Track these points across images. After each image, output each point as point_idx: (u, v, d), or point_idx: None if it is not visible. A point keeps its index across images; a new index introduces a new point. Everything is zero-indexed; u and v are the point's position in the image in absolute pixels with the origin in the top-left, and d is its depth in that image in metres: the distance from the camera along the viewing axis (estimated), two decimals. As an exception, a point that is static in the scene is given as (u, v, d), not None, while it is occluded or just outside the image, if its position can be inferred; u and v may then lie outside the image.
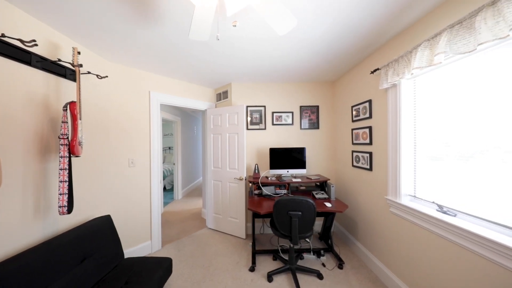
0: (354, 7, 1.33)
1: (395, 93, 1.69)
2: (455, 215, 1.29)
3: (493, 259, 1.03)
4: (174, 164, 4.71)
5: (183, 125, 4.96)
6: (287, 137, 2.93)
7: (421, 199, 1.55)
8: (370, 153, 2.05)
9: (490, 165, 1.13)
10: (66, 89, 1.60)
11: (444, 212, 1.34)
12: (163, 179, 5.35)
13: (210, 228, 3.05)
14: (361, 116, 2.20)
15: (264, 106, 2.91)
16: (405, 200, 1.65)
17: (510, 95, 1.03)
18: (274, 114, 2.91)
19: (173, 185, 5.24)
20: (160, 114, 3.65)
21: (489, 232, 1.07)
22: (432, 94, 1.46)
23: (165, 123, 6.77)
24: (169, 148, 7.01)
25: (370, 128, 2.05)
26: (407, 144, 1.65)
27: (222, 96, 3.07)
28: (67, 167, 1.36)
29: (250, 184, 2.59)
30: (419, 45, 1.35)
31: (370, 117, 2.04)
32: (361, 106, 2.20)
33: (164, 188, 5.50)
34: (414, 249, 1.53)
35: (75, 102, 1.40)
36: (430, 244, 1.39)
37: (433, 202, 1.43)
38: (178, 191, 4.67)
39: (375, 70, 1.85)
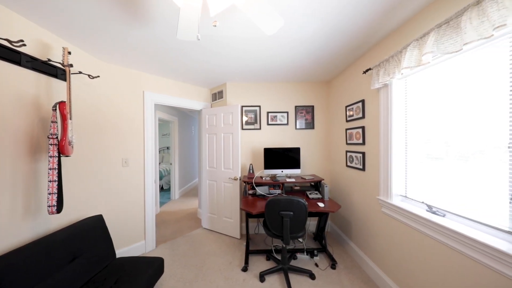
0: (343, 8, 1.33)
1: (386, 93, 1.69)
2: (444, 215, 1.29)
3: (481, 261, 1.01)
4: (171, 164, 4.71)
5: (180, 125, 4.97)
6: (282, 137, 2.93)
7: (412, 199, 1.55)
8: (363, 153, 2.04)
9: (481, 165, 1.12)
10: (57, 89, 1.60)
11: (433, 213, 1.34)
12: (161, 179, 5.36)
13: (205, 228, 3.05)
14: (355, 116, 2.20)
15: (259, 106, 2.91)
16: (396, 200, 1.65)
17: (497, 95, 1.03)
18: (269, 114, 2.91)
19: (170, 185, 5.24)
20: (156, 114, 3.67)
21: (477, 233, 1.06)
22: (423, 94, 1.45)
23: (164, 123, 6.77)
24: (167, 148, 7.02)
25: (363, 128, 2.04)
26: (398, 144, 1.64)
27: (217, 96, 3.07)
28: (57, 167, 1.36)
29: (245, 184, 2.59)
30: (408, 45, 1.35)
31: (363, 117, 2.04)
32: (354, 106, 2.20)
33: (162, 188, 5.51)
34: (404, 250, 1.53)
35: (64, 102, 1.40)
36: (420, 244, 1.39)
37: (423, 202, 1.43)
38: (175, 191, 4.68)
39: (367, 70, 1.85)
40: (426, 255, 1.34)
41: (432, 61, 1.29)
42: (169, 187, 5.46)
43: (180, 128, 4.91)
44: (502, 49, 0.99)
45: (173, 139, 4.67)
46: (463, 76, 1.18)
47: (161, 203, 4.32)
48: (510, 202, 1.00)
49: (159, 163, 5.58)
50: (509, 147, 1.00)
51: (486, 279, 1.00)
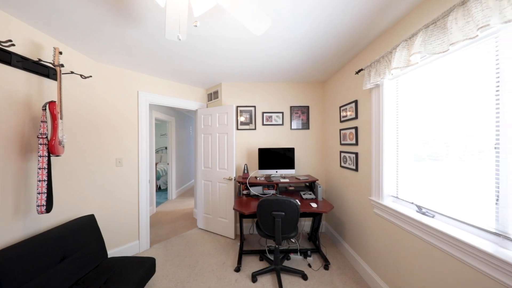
0: (333, 8, 1.33)
1: (378, 93, 1.69)
2: (433, 216, 1.28)
3: (469, 263, 1.01)
4: (168, 164, 4.72)
5: (178, 125, 4.97)
6: (277, 137, 2.93)
7: (403, 200, 1.54)
8: (356, 154, 2.04)
9: (472, 166, 1.11)
10: (49, 89, 1.61)
11: (423, 213, 1.33)
12: (158, 179, 5.37)
13: (201, 228, 3.05)
14: (348, 117, 2.19)
15: (254, 106, 2.91)
16: (388, 201, 1.64)
17: (486, 96, 1.03)
18: (264, 115, 2.91)
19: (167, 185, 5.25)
20: (152, 114, 3.67)
21: (465, 235, 1.05)
22: (414, 95, 1.44)
23: (162, 123, 6.78)
24: (166, 148, 7.03)
25: (356, 128, 2.04)
26: (390, 145, 1.64)
27: (213, 96, 3.08)
28: (46, 167, 1.36)
29: (239, 184, 2.59)
30: (398, 46, 1.35)
31: (356, 117, 2.04)
32: (348, 107, 2.19)
33: (159, 188, 5.51)
34: (395, 250, 1.52)
35: (54, 101, 1.40)
36: (410, 245, 1.38)
37: (412, 203, 1.42)
38: (172, 191, 4.68)
39: (359, 71, 1.85)
40: (415, 257, 1.34)
41: (421, 62, 1.29)
42: (167, 187, 5.47)
43: (177, 128, 4.92)
44: (488, 50, 0.99)
45: (170, 139, 4.67)
46: (453, 77, 1.17)
47: (158, 203, 4.32)
48: (496, 203, 1.00)
49: (157, 163, 5.58)
50: (495, 148, 1.00)
51: (477, 282, 0.99)
